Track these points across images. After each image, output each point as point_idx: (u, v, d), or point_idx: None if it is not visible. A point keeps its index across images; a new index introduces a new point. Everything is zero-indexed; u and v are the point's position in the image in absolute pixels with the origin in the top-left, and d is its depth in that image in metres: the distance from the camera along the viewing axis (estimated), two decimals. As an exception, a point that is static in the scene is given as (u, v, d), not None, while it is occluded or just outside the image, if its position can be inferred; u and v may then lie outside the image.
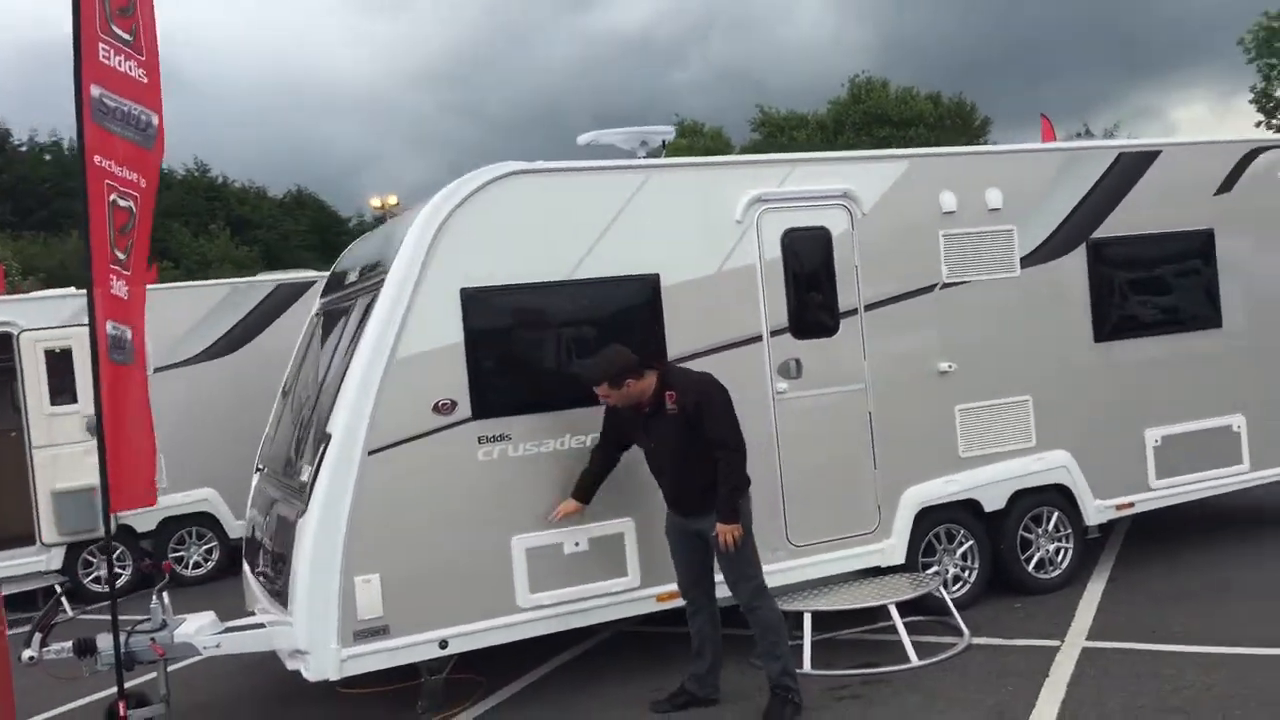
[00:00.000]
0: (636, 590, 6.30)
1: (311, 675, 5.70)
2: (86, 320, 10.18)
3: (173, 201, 45.58)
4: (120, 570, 10.58)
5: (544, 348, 6.26)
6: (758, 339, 6.67)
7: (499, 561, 6.01)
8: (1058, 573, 7.49)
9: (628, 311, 6.39)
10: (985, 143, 50.56)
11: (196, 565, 10.95)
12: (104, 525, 6.25)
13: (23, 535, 10.38)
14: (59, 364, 10.32)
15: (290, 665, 5.92)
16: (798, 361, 6.75)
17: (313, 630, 5.66)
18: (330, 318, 7.24)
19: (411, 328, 5.88)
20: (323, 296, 7.79)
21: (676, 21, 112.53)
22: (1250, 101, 55.00)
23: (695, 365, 6.35)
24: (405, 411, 5.84)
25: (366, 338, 5.87)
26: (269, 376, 9.95)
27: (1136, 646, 6.21)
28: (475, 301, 5.99)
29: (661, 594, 6.33)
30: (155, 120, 6.26)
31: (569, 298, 6.26)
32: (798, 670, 6.01)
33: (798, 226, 6.79)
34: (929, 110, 49.75)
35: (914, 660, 6.25)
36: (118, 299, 6.55)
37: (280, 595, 6.17)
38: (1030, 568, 7.41)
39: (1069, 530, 7.51)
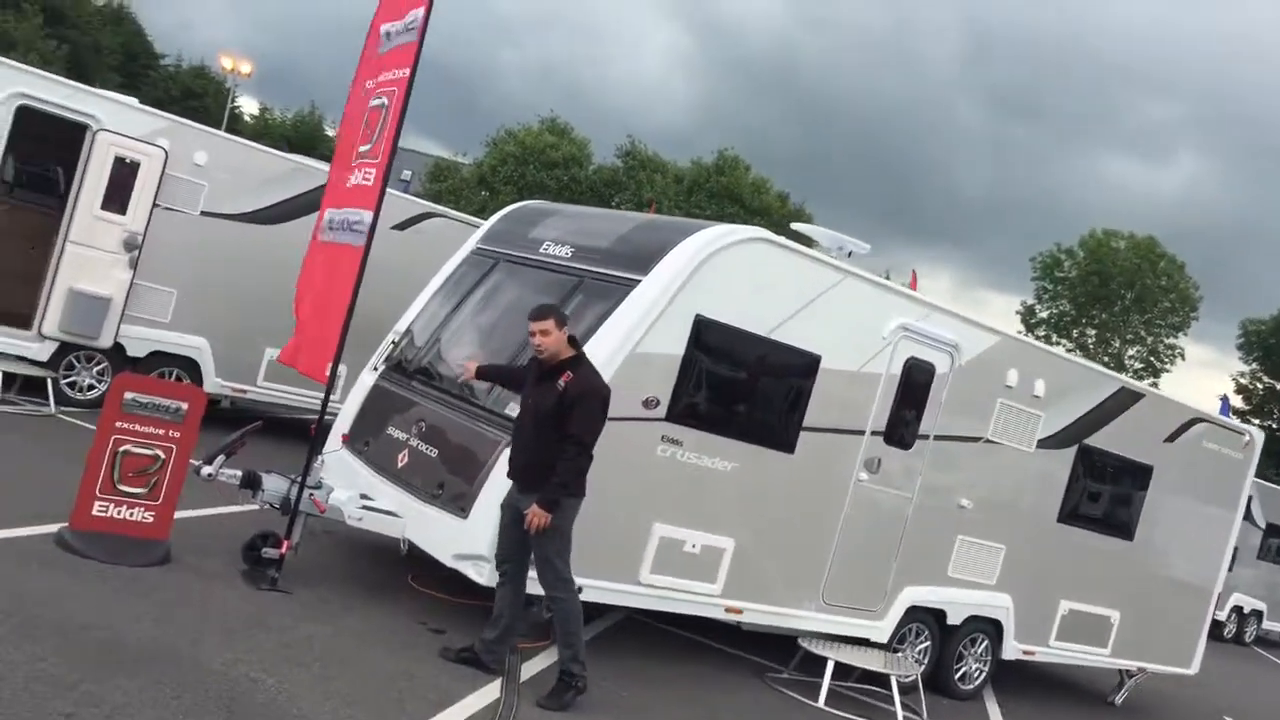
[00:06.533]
0: (716, 598, 7.53)
1: (485, 580, 6.59)
2: (167, 144, 10.27)
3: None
4: (95, 384, 10.64)
5: (730, 382, 7.45)
6: (861, 433, 8.10)
7: (638, 539, 7.11)
8: (971, 687, 9.28)
9: (793, 377, 7.69)
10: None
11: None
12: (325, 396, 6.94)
13: (17, 316, 10.28)
14: (122, 173, 10.36)
15: (452, 564, 6.77)
16: (879, 461, 8.22)
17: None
18: (518, 271, 8.07)
19: (655, 332, 6.93)
20: (495, 244, 8.54)
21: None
22: (1016, 312, 61.97)
23: (815, 439, 7.76)
24: (623, 395, 6.86)
25: (616, 326, 6.89)
26: (286, 256, 10.33)
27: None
28: (703, 328, 7.12)
29: (731, 606, 7.59)
30: (420, 13, 7.05)
31: (761, 351, 7.49)
32: (816, 704, 7.46)
33: (917, 357, 8.30)
34: (776, 206, 52.87)
35: (899, 724, 7.79)
36: (354, 187, 7.32)
37: (440, 499, 7.00)
38: (956, 676, 9.16)
39: (989, 657, 9.33)
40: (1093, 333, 61.18)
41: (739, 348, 7.38)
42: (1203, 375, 78.37)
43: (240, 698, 4.98)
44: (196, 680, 5.03)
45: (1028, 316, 62.83)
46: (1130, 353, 61.09)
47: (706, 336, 7.16)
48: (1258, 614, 20.89)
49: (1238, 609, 20.38)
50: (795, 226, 8.17)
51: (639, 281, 7.03)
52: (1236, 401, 58.16)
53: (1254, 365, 59.03)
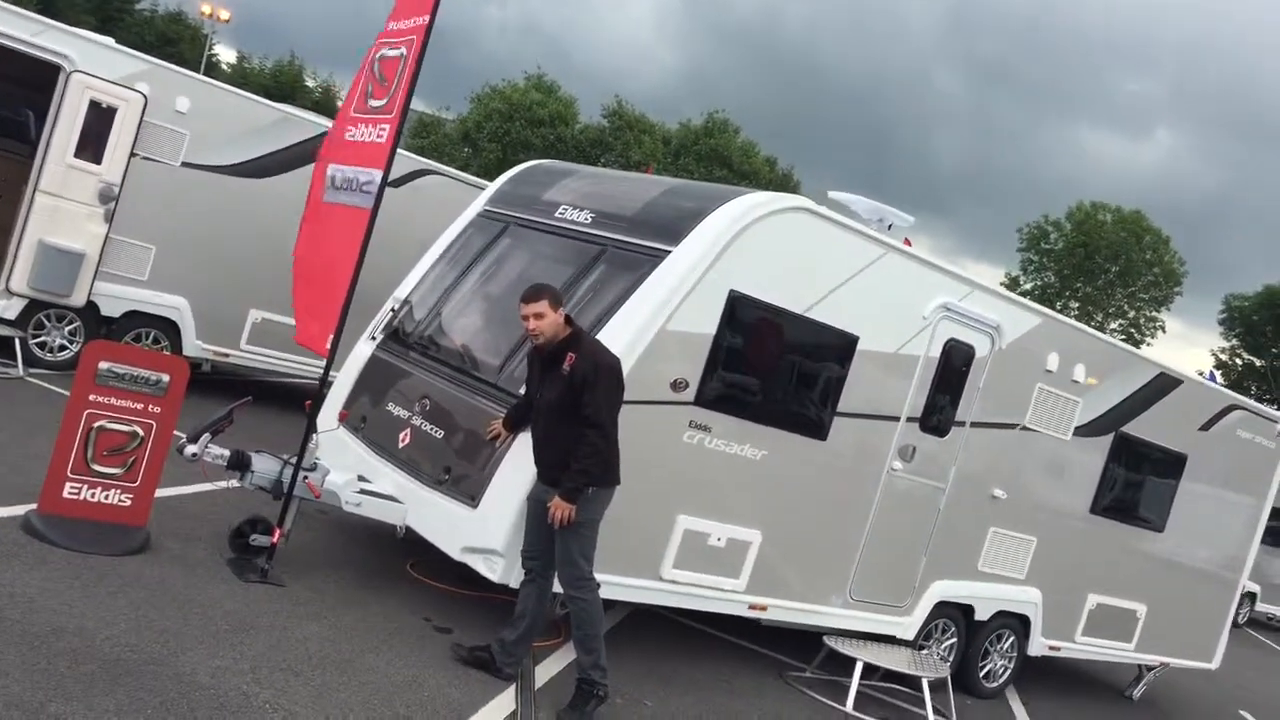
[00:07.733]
0: (740, 594, 6.99)
1: (497, 577, 6.01)
2: (146, 89, 9.47)
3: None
4: (67, 345, 9.94)
5: (764, 364, 6.85)
6: (895, 419, 7.54)
7: (660, 532, 6.54)
8: (995, 684, 8.81)
9: (829, 359, 7.11)
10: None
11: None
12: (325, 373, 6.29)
13: (-17, 271, 9.57)
14: (98, 120, 9.59)
15: (460, 557, 6.18)
16: (914, 449, 7.67)
17: (513, 542, 5.96)
18: (531, 236, 7.42)
19: (685, 308, 6.32)
20: (505, 206, 7.88)
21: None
22: (1001, 283, 61.77)
23: (849, 425, 7.20)
24: (650, 377, 6.27)
25: (644, 301, 6.26)
26: (273, 212, 9.87)
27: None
28: (737, 304, 6.52)
29: (755, 603, 7.06)
30: None
31: (797, 330, 6.89)
32: (844, 708, 6.95)
33: (958, 339, 7.74)
34: (765, 171, 51.99)
35: (930, 730, 7.30)
36: (364, 143, 6.65)
37: (446, 485, 6.41)
38: (981, 674, 8.68)
39: (1015, 654, 8.85)
40: (1075, 305, 61.00)
41: (774, 327, 6.79)
42: (1176, 349, 78.45)
43: (231, 718, 4.40)
44: (181, 696, 4.44)
45: (1011, 288, 62.51)
46: (1113, 325, 61.01)
47: (741, 314, 6.56)
48: (1251, 595, 20.64)
49: (1233, 592, 20.10)
50: (832, 195, 7.58)
51: (669, 252, 6.41)
52: (1216, 377, 58.15)
53: (1234, 341, 58.99)
